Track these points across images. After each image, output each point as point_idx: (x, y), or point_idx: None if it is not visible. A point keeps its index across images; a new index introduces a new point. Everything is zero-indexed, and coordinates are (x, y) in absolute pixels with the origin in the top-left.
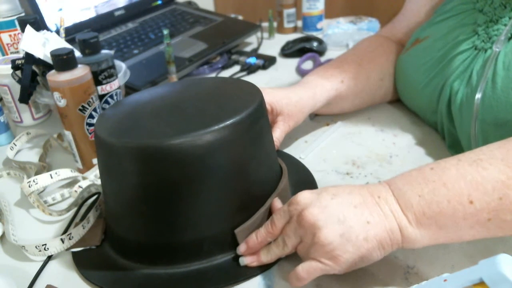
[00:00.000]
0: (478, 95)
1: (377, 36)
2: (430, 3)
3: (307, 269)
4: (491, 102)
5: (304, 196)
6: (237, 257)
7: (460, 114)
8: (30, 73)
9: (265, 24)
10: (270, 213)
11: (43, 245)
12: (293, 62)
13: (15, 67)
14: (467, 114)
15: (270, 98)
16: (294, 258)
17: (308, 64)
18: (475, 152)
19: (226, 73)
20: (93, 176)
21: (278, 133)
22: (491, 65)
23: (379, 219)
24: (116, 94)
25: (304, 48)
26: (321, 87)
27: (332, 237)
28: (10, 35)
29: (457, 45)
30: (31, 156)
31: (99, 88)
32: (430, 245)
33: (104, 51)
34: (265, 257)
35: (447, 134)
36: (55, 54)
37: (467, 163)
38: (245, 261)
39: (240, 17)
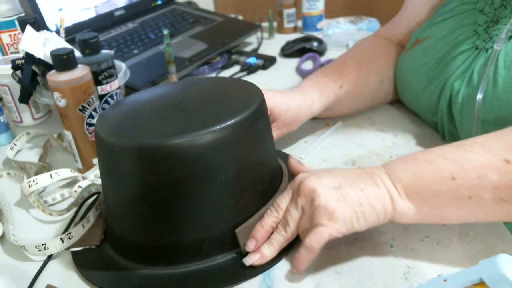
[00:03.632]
0: (479, 95)
1: (376, 37)
2: (431, 3)
3: (314, 237)
4: (492, 101)
5: (303, 174)
6: (237, 257)
7: (461, 114)
8: (30, 73)
9: (265, 24)
10: None
11: (42, 244)
12: (293, 62)
13: (15, 67)
14: (468, 114)
15: (270, 103)
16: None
17: (308, 64)
18: (460, 141)
19: (226, 73)
20: (93, 176)
21: None
22: (492, 64)
23: (372, 188)
24: (116, 94)
25: (304, 48)
26: (321, 95)
27: (330, 200)
28: (10, 35)
29: (457, 46)
30: (31, 156)
31: (99, 88)
32: (419, 222)
33: (104, 51)
34: (268, 250)
35: (447, 134)
36: (55, 54)
37: (450, 147)
38: (249, 260)
39: (240, 17)
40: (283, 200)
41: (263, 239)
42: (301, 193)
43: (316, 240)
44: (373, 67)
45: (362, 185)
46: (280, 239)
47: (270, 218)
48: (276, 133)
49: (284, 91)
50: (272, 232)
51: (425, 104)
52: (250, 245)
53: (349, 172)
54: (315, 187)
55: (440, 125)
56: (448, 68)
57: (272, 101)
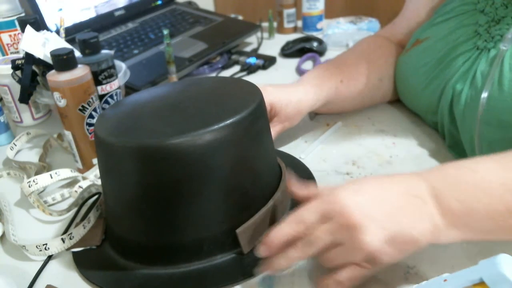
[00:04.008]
0: (483, 96)
1: (376, 37)
2: (430, 4)
3: (348, 276)
4: (496, 104)
5: (342, 195)
6: (237, 257)
7: (463, 116)
8: (30, 73)
9: (265, 24)
10: (271, 213)
11: (43, 244)
12: (293, 62)
13: (15, 67)
14: (470, 116)
15: (271, 98)
16: None
17: (308, 64)
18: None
19: (226, 73)
20: (93, 176)
21: (272, 133)
22: (497, 65)
23: (417, 220)
24: (116, 94)
25: (304, 48)
26: (321, 88)
27: (374, 241)
28: (10, 35)
29: (458, 46)
30: (31, 156)
31: (99, 88)
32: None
33: (104, 51)
34: (280, 264)
35: (447, 135)
36: (55, 54)
37: (509, 168)
38: (260, 272)
39: (240, 17)
40: (309, 215)
41: (276, 249)
42: (341, 225)
43: (349, 278)
44: (373, 65)
45: (406, 217)
46: (296, 257)
47: (288, 229)
48: (278, 127)
49: (284, 85)
50: (287, 242)
51: (425, 104)
52: (262, 252)
53: (393, 196)
54: (360, 224)
55: (440, 126)
56: (449, 68)
57: (273, 96)
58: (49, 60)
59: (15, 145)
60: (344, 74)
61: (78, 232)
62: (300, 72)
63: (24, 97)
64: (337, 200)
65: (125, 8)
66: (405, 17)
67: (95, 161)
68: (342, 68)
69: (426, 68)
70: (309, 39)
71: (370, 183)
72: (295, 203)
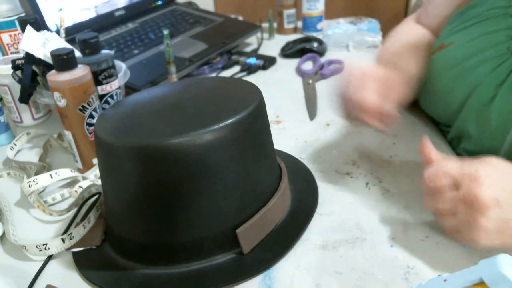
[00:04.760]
0: None
1: (419, 27)
2: (450, 8)
3: (450, 227)
4: None
5: (483, 174)
6: (237, 257)
7: (497, 121)
8: (30, 73)
9: (265, 25)
10: (271, 213)
11: (43, 244)
12: (293, 62)
13: (15, 67)
14: (505, 123)
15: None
16: (294, 259)
17: (308, 65)
18: None
19: (226, 74)
20: (93, 176)
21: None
22: None
23: None
24: (116, 94)
25: (304, 49)
26: (410, 74)
27: (488, 226)
28: (10, 35)
29: (486, 50)
30: (31, 156)
31: (99, 88)
32: None
33: (104, 51)
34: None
35: (467, 139)
36: (55, 54)
37: None
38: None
39: (240, 18)
40: (444, 179)
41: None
42: (469, 200)
43: (450, 229)
44: (421, 59)
45: None
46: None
47: (436, 181)
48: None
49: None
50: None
51: (447, 109)
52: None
53: None
54: (487, 206)
55: (458, 131)
56: (476, 72)
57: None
58: (49, 60)
59: (15, 145)
60: (419, 63)
61: (78, 232)
62: (300, 72)
63: (24, 97)
64: (477, 178)
65: (125, 8)
66: (427, 14)
67: (95, 161)
68: (411, 54)
69: (451, 72)
70: (309, 39)
71: (510, 171)
72: (295, 203)
